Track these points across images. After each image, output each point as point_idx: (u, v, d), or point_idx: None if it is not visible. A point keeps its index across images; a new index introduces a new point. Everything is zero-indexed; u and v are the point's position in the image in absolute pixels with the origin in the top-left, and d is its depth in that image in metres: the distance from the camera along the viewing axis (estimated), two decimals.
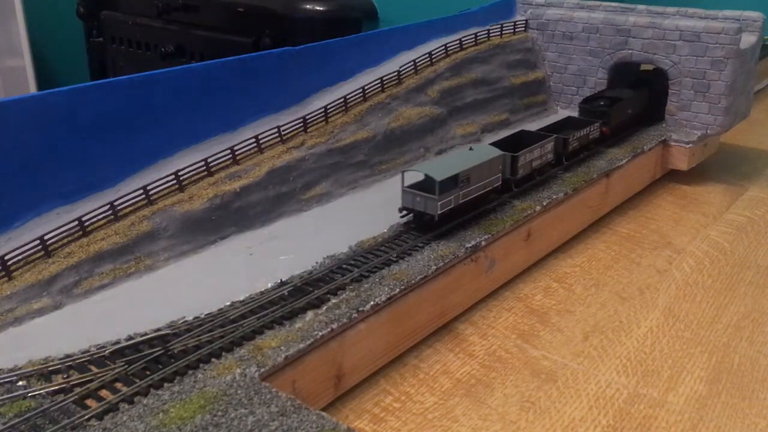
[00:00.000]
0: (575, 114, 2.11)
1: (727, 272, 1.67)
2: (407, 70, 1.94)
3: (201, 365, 1.04)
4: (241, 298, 1.21)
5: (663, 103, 2.18)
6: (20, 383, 1.00)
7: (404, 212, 1.45)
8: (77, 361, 1.05)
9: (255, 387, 0.99)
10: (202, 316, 1.16)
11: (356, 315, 1.17)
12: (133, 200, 1.36)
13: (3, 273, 1.19)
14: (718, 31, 2.04)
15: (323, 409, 1.10)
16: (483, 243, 1.43)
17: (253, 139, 1.57)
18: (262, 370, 1.03)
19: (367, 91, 1.81)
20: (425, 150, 1.91)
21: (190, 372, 1.03)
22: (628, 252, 1.76)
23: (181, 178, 1.43)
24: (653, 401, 1.22)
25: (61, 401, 0.96)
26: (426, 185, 1.42)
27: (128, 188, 1.38)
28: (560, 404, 1.21)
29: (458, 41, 2.12)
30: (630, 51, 2.21)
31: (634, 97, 2.12)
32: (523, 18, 2.37)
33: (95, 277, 1.27)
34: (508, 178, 1.61)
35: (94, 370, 1.03)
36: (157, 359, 1.05)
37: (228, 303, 1.20)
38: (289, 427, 0.92)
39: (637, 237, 1.84)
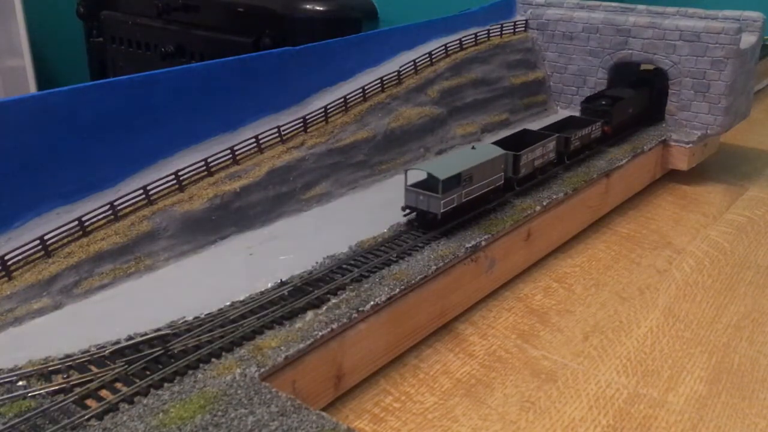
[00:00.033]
0: (575, 114, 2.11)
1: (727, 272, 1.67)
2: (407, 70, 1.94)
3: (201, 365, 1.04)
4: (241, 298, 1.21)
5: (663, 103, 2.18)
6: (20, 383, 1.00)
7: (407, 211, 1.45)
8: (77, 361, 1.05)
9: (255, 387, 0.99)
10: (202, 316, 1.16)
11: (356, 315, 1.17)
12: (133, 200, 1.36)
13: (3, 273, 1.19)
14: (718, 31, 2.04)
15: (323, 409, 1.10)
16: (483, 243, 1.43)
17: (253, 139, 1.57)
18: (262, 370, 1.03)
19: (367, 91, 1.81)
20: (425, 150, 1.91)
21: (190, 372, 1.03)
22: (628, 252, 1.76)
23: (181, 178, 1.43)
24: (653, 401, 1.22)
25: (61, 401, 0.96)
26: (429, 184, 1.42)
27: (128, 188, 1.38)
28: (560, 404, 1.21)
29: (458, 41, 2.12)
30: (630, 51, 2.21)
31: (636, 97, 2.12)
32: (523, 18, 2.37)
33: (95, 277, 1.27)
34: (511, 176, 1.62)
35: (94, 370, 1.03)
36: (157, 359, 1.05)
37: (228, 303, 1.20)
38: (289, 427, 0.92)
39: (637, 237, 1.84)
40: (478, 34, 2.18)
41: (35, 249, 1.23)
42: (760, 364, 1.33)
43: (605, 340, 1.39)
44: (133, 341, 1.09)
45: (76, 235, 1.28)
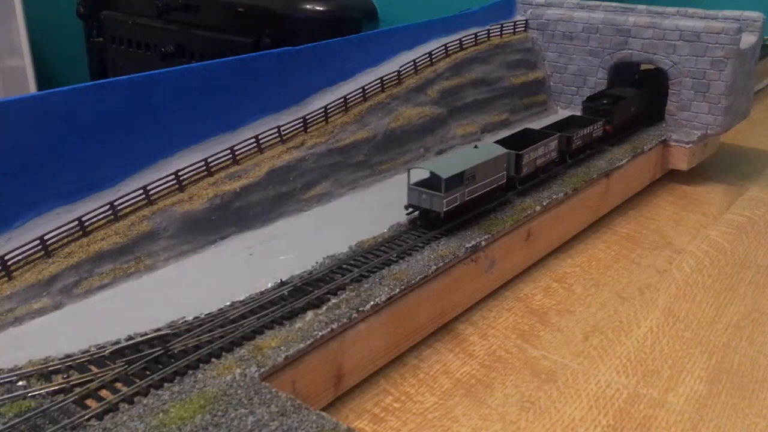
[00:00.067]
0: (575, 114, 2.11)
1: (727, 272, 1.67)
2: (407, 70, 1.94)
3: (201, 365, 1.04)
4: (241, 298, 1.21)
5: (663, 103, 2.18)
6: (20, 383, 1.00)
7: (410, 209, 1.46)
8: (77, 361, 1.05)
9: (255, 387, 0.99)
10: (202, 316, 1.16)
11: (356, 315, 1.17)
12: (133, 200, 1.36)
13: (3, 273, 1.19)
14: (718, 31, 2.04)
15: (323, 409, 1.10)
16: (483, 243, 1.43)
17: (253, 139, 1.57)
18: (262, 370, 1.03)
19: (367, 91, 1.81)
20: (425, 150, 1.91)
21: (190, 372, 1.03)
22: (628, 252, 1.76)
23: (181, 178, 1.43)
24: (653, 401, 1.22)
25: (61, 401, 0.96)
26: (432, 183, 1.43)
27: (128, 188, 1.38)
28: (560, 404, 1.21)
29: (458, 41, 2.12)
30: (630, 51, 2.21)
31: (637, 96, 2.13)
32: (523, 18, 2.37)
33: (95, 277, 1.27)
34: (513, 175, 1.62)
35: (94, 370, 1.03)
36: (157, 359, 1.05)
37: (228, 303, 1.20)
38: (289, 427, 0.92)
39: (637, 237, 1.84)
40: (478, 34, 2.18)
41: (35, 249, 1.23)
42: (760, 364, 1.33)
43: (605, 340, 1.39)
44: (133, 341, 1.09)
45: (76, 235, 1.28)
